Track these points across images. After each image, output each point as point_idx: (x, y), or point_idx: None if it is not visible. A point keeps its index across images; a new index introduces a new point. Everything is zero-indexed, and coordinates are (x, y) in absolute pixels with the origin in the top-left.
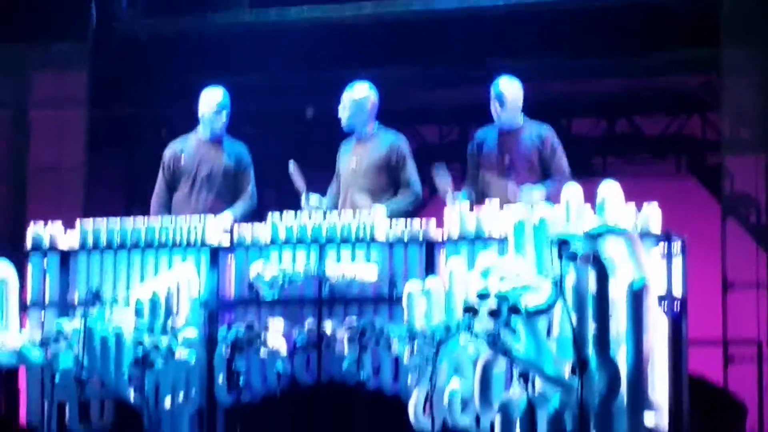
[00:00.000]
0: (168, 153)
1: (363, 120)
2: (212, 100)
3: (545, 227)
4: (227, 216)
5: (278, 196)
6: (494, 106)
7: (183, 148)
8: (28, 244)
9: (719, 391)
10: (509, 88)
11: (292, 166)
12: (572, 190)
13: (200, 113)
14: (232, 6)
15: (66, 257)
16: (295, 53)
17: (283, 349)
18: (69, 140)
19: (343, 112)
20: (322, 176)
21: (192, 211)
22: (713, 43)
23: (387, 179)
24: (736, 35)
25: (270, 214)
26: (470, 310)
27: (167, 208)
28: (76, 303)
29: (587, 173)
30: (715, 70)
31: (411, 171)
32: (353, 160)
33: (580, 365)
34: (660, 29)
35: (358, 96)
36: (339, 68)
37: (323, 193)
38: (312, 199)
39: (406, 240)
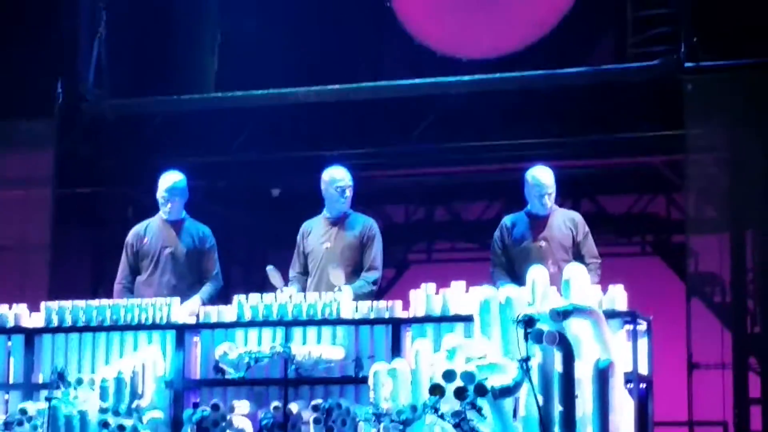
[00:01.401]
0: (131, 236)
1: (343, 203)
2: (170, 183)
3: (511, 307)
4: (195, 301)
5: (245, 274)
6: (534, 194)
7: (146, 231)
8: None
9: None
10: (548, 177)
11: (270, 270)
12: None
13: (159, 196)
14: (198, 87)
15: (30, 338)
16: (261, 133)
17: (248, 429)
18: (35, 219)
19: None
20: (288, 255)
21: (155, 292)
22: (677, 122)
23: (360, 259)
24: (699, 115)
25: (236, 297)
26: (436, 391)
27: (131, 291)
28: (40, 384)
29: None
30: (679, 149)
31: (377, 253)
32: (328, 241)
33: None
34: (624, 109)
35: (341, 179)
36: (305, 148)
37: (285, 273)
38: (287, 292)
39: (372, 320)
